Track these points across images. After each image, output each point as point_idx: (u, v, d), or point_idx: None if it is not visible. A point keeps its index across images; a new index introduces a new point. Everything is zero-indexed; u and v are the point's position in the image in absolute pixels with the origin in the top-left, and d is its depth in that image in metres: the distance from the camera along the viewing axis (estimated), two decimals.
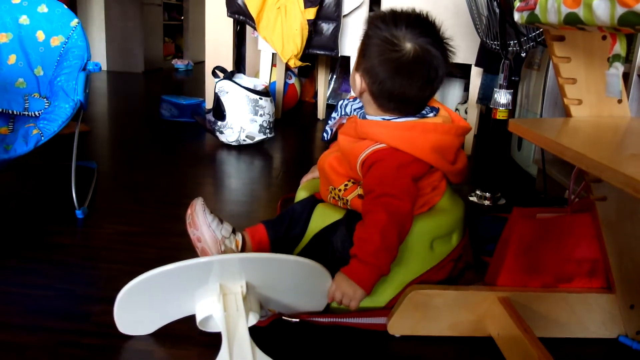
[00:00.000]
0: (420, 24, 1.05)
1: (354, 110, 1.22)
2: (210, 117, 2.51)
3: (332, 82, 3.77)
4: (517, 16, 0.86)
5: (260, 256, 0.96)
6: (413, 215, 1.06)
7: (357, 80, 1.10)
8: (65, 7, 1.72)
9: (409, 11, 1.06)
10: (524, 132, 0.84)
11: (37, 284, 1.18)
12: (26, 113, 1.62)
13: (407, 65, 1.03)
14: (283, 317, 1.05)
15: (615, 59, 0.66)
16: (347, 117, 1.22)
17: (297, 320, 1.05)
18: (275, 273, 0.97)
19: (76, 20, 1.69)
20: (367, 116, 1.13)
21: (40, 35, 1.70)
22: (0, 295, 1.13)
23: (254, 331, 0.92)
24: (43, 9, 1.71)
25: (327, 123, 1.29)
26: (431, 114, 1.11)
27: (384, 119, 1.10)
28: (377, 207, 1.01)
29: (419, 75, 1.05)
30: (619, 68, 0.65)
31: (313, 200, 1.23)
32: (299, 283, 1.01)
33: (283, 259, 0.95)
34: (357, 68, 1.11)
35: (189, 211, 1.12)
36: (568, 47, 0.89)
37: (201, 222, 1.09)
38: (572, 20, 0.69)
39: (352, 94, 1.22)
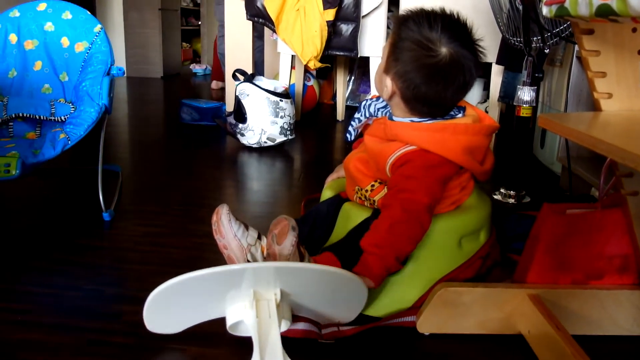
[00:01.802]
0: (454, 26, 1.03)
1: (378, 109, 1.21)
2: (231, 119, 2.52)
3: (351, 84, 3.77)
4: (545, 10, 0.85)
5: (297, 266, 0.94)
6: (432, 213, 1.05)
7: (388, 84, 1.08)
8: (89, 13, 1.75)
9: (441, 12, 1.04)
10: (555, 127, 0.83)
11: (67, 284, 1.20)
12: (53, 118, 1.65)
13: (444, 70, 1.02)
14: (319, 340, 1.02)
15: None
16: (374, 118, 1.21)
17: (333, 341, 1.03)
18: (311, 283, 0.95)
19: (99, 26, 1.72)
20: (394, 118, 1.12)
21: (65, 42, 1.73)
22: (31, 295, 1.15)
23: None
24: (67, 15, 1.73)
25: (350, 124, 1.28)
26: (459, 114, 1.10)
27: (412, 120, 1.09)
28: (394, 203, 1.02)
29: (455, 80, 1.03)
30: None
31: (338, 200, 1.23)
32: (334, 293, 0.99)
33: (320, 269, 0.93)
34: (386, 71, 1.08)
35: (214, 218, 1.11)
36: (597, 40, 0.88)
37: (227, 231, 1.08)
38: (604, 12, 0.68)
39: (372, 93, 1.21)
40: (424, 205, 1.01)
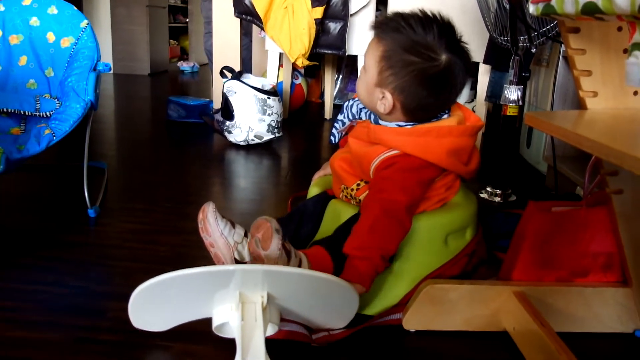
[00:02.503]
0: (446, 29, 1.02)
1: (360, 110, 1.19)
2: (218, 117, 2.51)
3: (339, 82, 3.77)
4: (532, 8, 0.85)
5: (285, 270, 0.92)
6: (412, 213, 1.05)
7: (388, 98, 1.05)
8: (75, 8, 1.73)
9: (425, 14, 1.02)
10: (541, 124, 0.84)
11: (53, 281, 1.19)
12: (38, 114, 1.63)
13: (447, 76, 1.02)
14: (312, 345, 1.00)
15: (635, 47, 0.66)
16: (358, 120, 1.19)
17: (325, 345, 1.01)
18: (299, 287, 0.94)
19: (86, 21, 1.70)
20: (380, 122, 1.12)
21: (51, 37, 1.71)
22: (17, 293, 1.14)
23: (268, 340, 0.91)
24: (53, 10, 1.71)
25: (334, 126, 1.26)
26: (445, 116, 1.10)
27: (398, 125, 1.08)
28: (373, 204, 1.01)
29: (456, 82, 1.04)
30: (639, 57, 0.65)
31: (325, 197, 1.23)
32: (324, 299, 0.97)
33: (309, 275, 0.91)
34: (380, 84, 1.05)
35: (200, 216, 1.10)
36: (583, 39, 0.89)
37: (213, 229, 1.07)
38: (590, 10, 0.68)
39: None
40: (403, 204, 1.01)
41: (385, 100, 1.05)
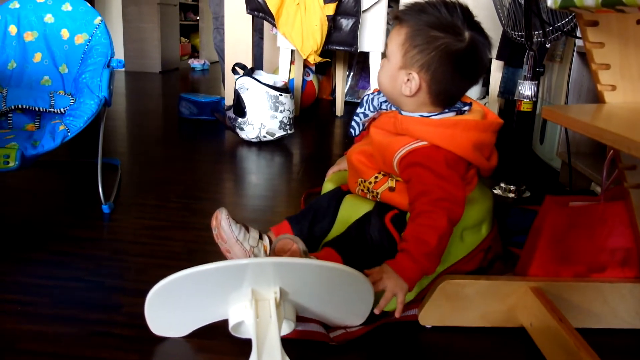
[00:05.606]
0: (468, 12, 1.03)
1: (381, 103, 1.18)
2: (230, 114, 2.52)
3: (350, 80, 3.76)
4: (550, 1, 0.85)
5: (296, 261, 0.91)
6: None
7: (415, 78, 1.04)
8: (89, 5, 1.74)
9: (450, 0, 1.03)
10: (559, 118, 0.83)
11: (68, 276, 1.19)
12: (52, 110, 1.64)
13: (473, 54, 1.02)
14: (331, 344, 0.99)
15: None
16: (381, 111, 1.17)
17: (344, 343, 1.00)
18: (310, 280, 0.92)
19: (99, 18, 1.71)
20: (402, 112, 1.10)
21: (65, 34, 1.72)
22: (32, 287, 1.15)
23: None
24: (67, 7, 1.72)
25: (353, 119, 1.24)
26: (466, 108, 1.09)
27: (422, 115, 1.07)
28: (439, 211, 0.98)
29: (480, 62, 1.04)
30: None
31: (340, 193, 1.23)
32: (337, 291, 0.96)
33: (319, 265, 0.90)
34: (405, 66, 1.04)
35: (213, 222, 1.09)
36: (602, 32, 0.88)
37: (228, 236, 1.06)
38: (611, 2, 0.68)
39: (373, 88, 1.19)
40: (461, 216, 1.01)
41: (410, 83, 1.04)
